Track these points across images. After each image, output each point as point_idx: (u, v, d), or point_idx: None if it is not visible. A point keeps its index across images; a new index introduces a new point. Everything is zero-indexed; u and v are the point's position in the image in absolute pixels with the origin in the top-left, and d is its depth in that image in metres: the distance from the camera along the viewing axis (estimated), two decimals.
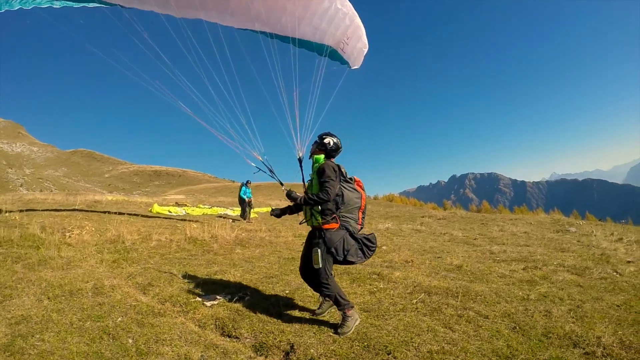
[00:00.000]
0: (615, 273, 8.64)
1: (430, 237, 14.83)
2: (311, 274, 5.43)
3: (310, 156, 5.62)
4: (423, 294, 6.72)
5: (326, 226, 5.22)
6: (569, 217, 25.18)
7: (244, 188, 21.25)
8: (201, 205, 28.13)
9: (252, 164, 6.42)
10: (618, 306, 6.30)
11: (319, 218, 5.23)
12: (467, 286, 7.15)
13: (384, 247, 11.88)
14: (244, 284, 7.44)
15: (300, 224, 5.76)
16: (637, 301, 6.56)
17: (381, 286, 7.33)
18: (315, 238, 5.28)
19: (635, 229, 19.12)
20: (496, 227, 18.04)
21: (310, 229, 5.50)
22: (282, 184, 6.09)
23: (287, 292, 6.97)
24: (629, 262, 10.05)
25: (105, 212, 18.08)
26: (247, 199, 20.94)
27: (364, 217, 5.56)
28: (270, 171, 6.34)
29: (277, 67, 6.97)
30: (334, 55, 8.14)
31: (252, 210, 21.83)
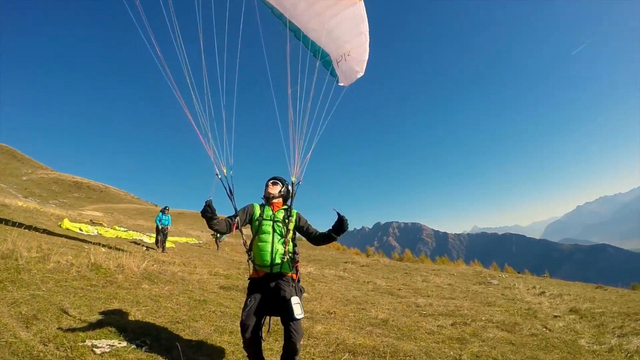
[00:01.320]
0: (544, 329, 8.58)
1: (354, 285, 14.27)
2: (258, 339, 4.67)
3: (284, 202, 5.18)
4: (347, 354, 6.02)
5: (295, 276, 4.85)
6: (489, 269, 25.89)
7: (160, 214, 19.60)
8: (117, 227, 25.64)
9: (218, 175, 5.34)
10: None
11: (291, 264, 4.82)
12: (395, 345, 6.55)
13: (305, 295, 11.11)
14: (145, 328, 6.24)
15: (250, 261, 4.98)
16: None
17: (302, 342, 6.55)
18: (288, 285, 4.68)
19: (555, 282, 19.78)
20: (419, 278, 17.90)
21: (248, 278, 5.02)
22: (235, 211, 5.06)
23: (193, 343, 5.94)
24: (555, 316, 10.10)
25: (8, 220, 15.69)
26: (161, 227, 19.23)
27: None
28: (230, 192, 5.24)
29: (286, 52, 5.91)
30: (327, 65, 7.46)
31: (167, 239, 20.01)
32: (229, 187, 5.26)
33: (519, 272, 26.23)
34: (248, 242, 4.99)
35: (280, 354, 4.70)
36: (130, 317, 6.54)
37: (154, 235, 21.27)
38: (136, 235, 23.11)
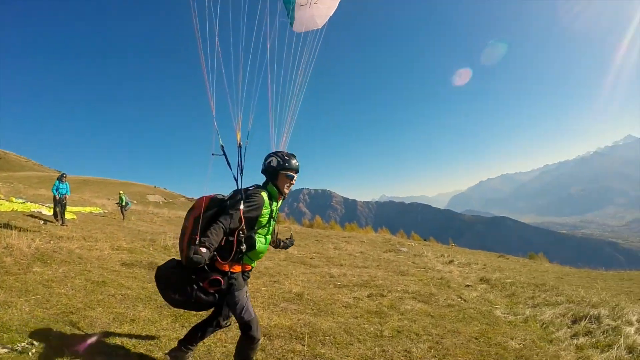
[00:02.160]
0: (460, 299, 8.66)
1: (265, 254, 13.78)
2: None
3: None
4: (262, 338, 5.48)
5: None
6: (396, 236, 26.53)
7: (56, 183, 17.46)
8: (14, 199, 22.55)
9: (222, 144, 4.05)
10: (476, 339, 6.03)
11: None
12: (313, 323, 6.13)
13: None
14: (32, 324, 5.07)
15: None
16: (492, 332, 6.40)
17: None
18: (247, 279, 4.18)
19: (461, 250, 20.58)
20: (331, 245, 17.78)
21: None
22: (242, 196, 3.86)
23: (91, 339, 4.97)
24: (468, 286, 10.30)
25: None
26: (58, 197, 17.14)
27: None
28: (240, 168, 4.12)
29: None
30: (288, 3, 6.27)
31: (66, 210, 17.86)
32: (240, 165, 4.11)
33: (425, 240, 27.24)
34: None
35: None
36: (15, 311, 5.31)
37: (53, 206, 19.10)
38: (34, 207, 20.31)
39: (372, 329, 6.18)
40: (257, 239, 3.98)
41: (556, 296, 9.17)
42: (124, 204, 22.68)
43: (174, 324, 5.71)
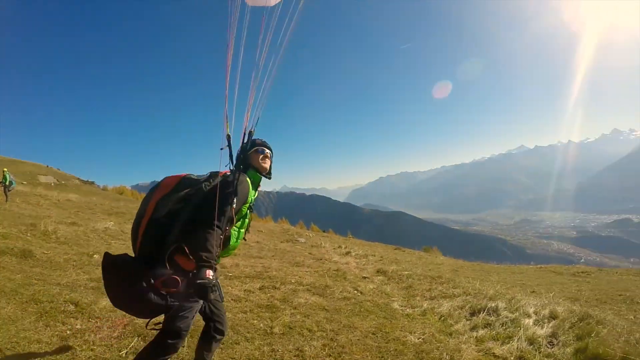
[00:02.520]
0: (356, 291, 8.34)
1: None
2: None
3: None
4: (136, 339, 4.69)
5: None
6: (295, 227, 26.29)
7: None
8: None
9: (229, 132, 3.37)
10: (374, 334, 5.71)
11: None
12: (196, 320, 5.42)
13: (96, 256, 9.25)
14: None
15: None
16: (390, 326, 6.11)
17: (78, 326, 4.91)
18: None
19: (359, 242, 20.63)
20: None
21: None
22: (234, 188, 3.21)
23: None
24: (364, 277, 10.07)
25: None
26: None
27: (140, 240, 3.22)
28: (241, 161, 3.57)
29: None
30: None
31: None
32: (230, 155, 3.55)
33: (324, 231, 27.20)
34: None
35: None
36: None
37: None
38: None
39: (262, 325, 5.62)
40: (231, 233, 3.40)
41: (453, 288, 9.11)
42: (7, 183, 20.33)
43: (37, 323, 4.75)
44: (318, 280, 8.97)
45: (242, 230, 3.54)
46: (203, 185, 3.25)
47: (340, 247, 16.88)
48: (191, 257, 2.97)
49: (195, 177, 3.33)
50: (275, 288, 7.95)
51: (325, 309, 6.73)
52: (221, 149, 3.44)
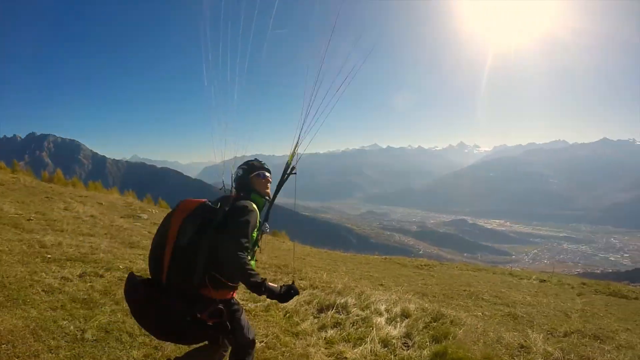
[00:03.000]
0: None
1: None
2: None
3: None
4: None
5: None
6: (143, 202, 24.65)
7: None
8: None
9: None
10: None
11: None
12: None
13: None
14: None
15: None
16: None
17: None
18: None
19: None
20: (62, 204, 15.04)
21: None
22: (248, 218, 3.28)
23: None
24: None
25: None
26: None
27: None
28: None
29: None
30: None
31: None
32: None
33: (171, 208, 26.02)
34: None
35: None
36: None
37: None
38: None
39: (72, 327, 4.92)
40: None
41: (299, 280, 8.99)
42: None
43: None
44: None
45: (256, 249, 3.57)
46: (220, 211, 3.27)
47: None
48: (228, 283, 3.22)
49: (212, 204, 3.36)
50: (99, 276, 7.12)
51: None
52: (285, 178, 4.01)
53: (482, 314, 8.97)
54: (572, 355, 6.05)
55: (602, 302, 12.04)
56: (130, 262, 8.37)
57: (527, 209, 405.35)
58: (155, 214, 18.10)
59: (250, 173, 3.72)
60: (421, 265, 15.95)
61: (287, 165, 4.05)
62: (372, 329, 6.08)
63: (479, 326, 6.96)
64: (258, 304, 7.02)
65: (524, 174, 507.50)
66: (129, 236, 11.60)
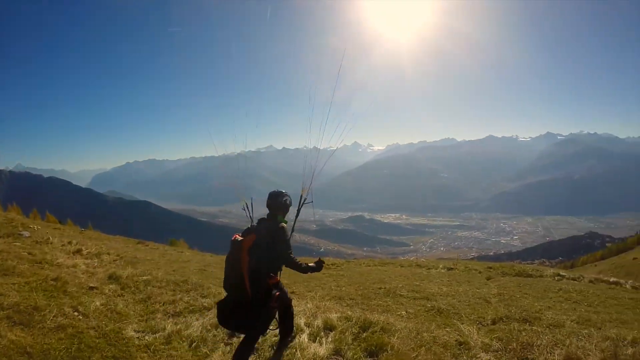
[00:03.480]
0: (76, 313, 6.39)
1: None
2: None
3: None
4: None
5: None
6: (28, 217, 21.76)
7: None
8: None
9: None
10: None
11: None
12: None
13: None
14: None
15: None
16: None
17: None
18: None
19: (95, 235, 18.06)
20: None
21: None
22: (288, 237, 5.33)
23: None
24: (92, 288, 8.04)
25: None
26: None
27: None
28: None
29: None
30: None
31: None
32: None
33: (61, 222, 23.36)
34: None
35: None
36: None
37: None
38: None
39: None
40: None
41: (202, 298, 7.94)
42: None
43: None
44: (25, 299, 6.59)
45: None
46: (267, 233, 4.89)
47: (70, 242, 14.14)
48: (274, 275, 4.95)
49: (256, 227, 5.12)
50: None
51: (27, 353, 4.83)
52: (300, 207, 6.10)
53: (407, 312, 8.55)
54: (514, 344, 5.84)
55: (513, 284, 12.27)
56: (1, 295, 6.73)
57: (421, 202, 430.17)
58: (38, 230, 15.80)
59: (291, 205, 5.60)
60: (328, 265, 15.45)
61: (301, 197, 6.06)
62: (296, 350, 5.43)
63: (411, 329, 6.44)
64: (157, 334, 6.01)
65: (416, 170, 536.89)
66: (2, 260, 9.75)
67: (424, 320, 7.76)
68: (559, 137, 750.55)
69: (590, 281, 14.15)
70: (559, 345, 5.82)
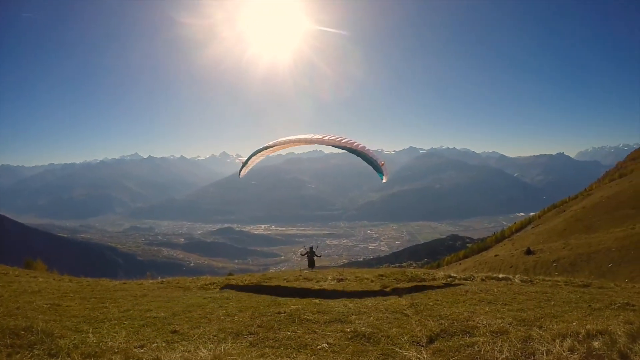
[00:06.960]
0: None
1: None
2: None
3: None
4: None
5: None
6: None
7: None
8: None
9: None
10: None
11: None
12: None
13: None
14: None
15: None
16: None
17: None
18: None
19: None
20: None
21: None
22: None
23: None
24: None
25: None
26: None
27: None
28: None
29: None
30: None
31: None
32: None
33: None
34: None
35: None
36: None
37: None
38: None
39: None
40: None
41: (49, 357, 5.48)
42: None
43: None
44: None
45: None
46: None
47: None
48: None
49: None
50: None
51: None
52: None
53: (328, 344, 6.79)
54: None
55: (417, 291, 11.75)
56: None
57: (290, 213, 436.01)
58: None
59: None
60: (207, 285, 13.42)
61: None
62: None
63: None
64: None
65: (284, 181, 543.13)
66: None
67: (355, 353, 6.25)
68: (420, 151, 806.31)
69: (482, 279, 14.25)
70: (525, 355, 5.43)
